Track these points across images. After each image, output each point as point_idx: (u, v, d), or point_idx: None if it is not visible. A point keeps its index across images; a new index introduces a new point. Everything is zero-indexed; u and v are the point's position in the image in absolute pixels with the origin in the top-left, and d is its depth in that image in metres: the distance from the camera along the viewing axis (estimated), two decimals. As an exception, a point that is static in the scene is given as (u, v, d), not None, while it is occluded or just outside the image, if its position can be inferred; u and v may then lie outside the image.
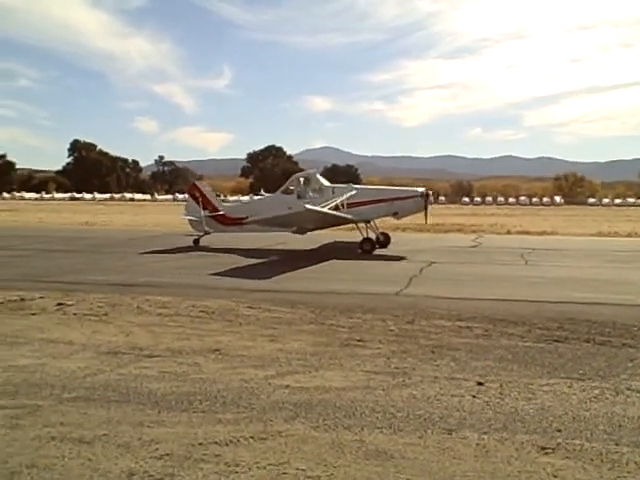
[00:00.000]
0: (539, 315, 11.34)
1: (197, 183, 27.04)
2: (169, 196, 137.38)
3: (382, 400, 6.78)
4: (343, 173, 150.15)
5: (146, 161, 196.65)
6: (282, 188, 25.14)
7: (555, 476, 5.04)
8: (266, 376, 7.59)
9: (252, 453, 5.39)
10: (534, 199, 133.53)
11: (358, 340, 9.42)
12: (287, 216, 21.46)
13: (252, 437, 5.71)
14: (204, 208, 25.14)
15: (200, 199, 25.31)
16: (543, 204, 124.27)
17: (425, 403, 6.71)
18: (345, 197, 23.04)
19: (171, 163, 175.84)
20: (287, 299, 12.74)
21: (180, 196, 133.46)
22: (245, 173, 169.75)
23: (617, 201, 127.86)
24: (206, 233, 25.19)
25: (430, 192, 24.59)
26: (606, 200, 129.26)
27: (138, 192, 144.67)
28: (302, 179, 25.00)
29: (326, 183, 24.88)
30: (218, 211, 25.31)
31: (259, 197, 31.09)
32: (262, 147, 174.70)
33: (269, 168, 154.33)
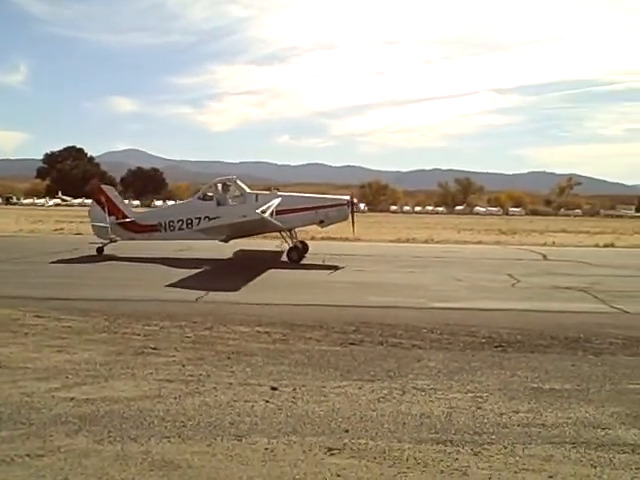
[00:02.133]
0: (337, 319, 11.60)
1: (103, 187, 25.23)
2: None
3: (173, 409, 6.61)
4: (148, 177, 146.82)
5: None
6: (198, 194, 24.15)
7: (339, 475, 5.13)
8: (50, 389, 7.15)
9: (27, 472, 5.04)
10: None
11: (153, 348, 9.15)
12: (240, 224, 20.59)
13: (28, 455, 5.34)
14: (110, 214, 23.57)
15: (106, 205, 23.66)
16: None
17: (217, 410, 6.62)
18: (275, 204, 22.09)
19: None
20: (78, 307, 12.17)
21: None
22: (42, 175, 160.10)
23: (417, 209, 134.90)
24: (112, 241, 23.64)
25: (355, 200, 24.21)
26: (407, 208, 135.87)
27: None
28: (220, 185, 23.95)
29: (247, 189, 23.98)
30: (127, 218, 23.81)
31: (173, 203, 29.36)
32: (61, 148, 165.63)
33: (68, 170, 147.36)
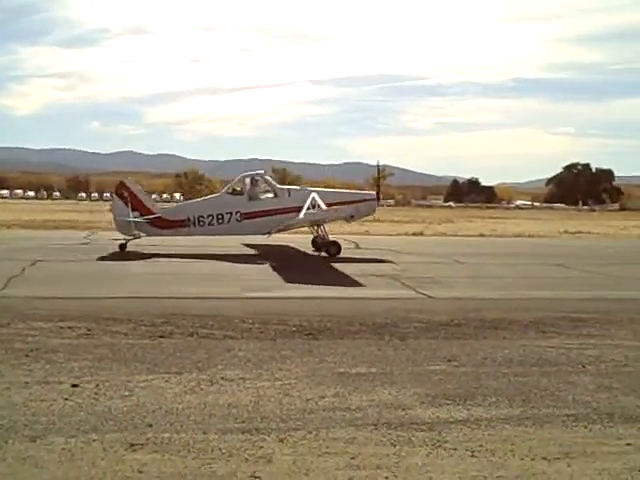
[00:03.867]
0: (147, 312, 11.26)
1: (126, 182, 23.31)
2: None
3: (-41, 413, 6.11)
4: None
5: None
6: (226, 188, 23.90)
7: (140, 472, 4.94)
8: None
9: None
10: (154, 196, 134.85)
11: (-62, 349, 8.42)
12: (320, 219, 20.98)
13: None
14: (134, 209, 21.76)
15: (129, 199, 21.86)
16: (164, 200, 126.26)
17: (10, 411, 6.18)
18: (319, 200, 21.15)
19: None
20: None
21: None
22: None
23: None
24: (135, 237, 21.86)
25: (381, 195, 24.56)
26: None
27: None
28: (248, 179, 23.19)
29: (277, 185, 23.54)
30: (152, 213, 22.21)
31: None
32: None
33: None
